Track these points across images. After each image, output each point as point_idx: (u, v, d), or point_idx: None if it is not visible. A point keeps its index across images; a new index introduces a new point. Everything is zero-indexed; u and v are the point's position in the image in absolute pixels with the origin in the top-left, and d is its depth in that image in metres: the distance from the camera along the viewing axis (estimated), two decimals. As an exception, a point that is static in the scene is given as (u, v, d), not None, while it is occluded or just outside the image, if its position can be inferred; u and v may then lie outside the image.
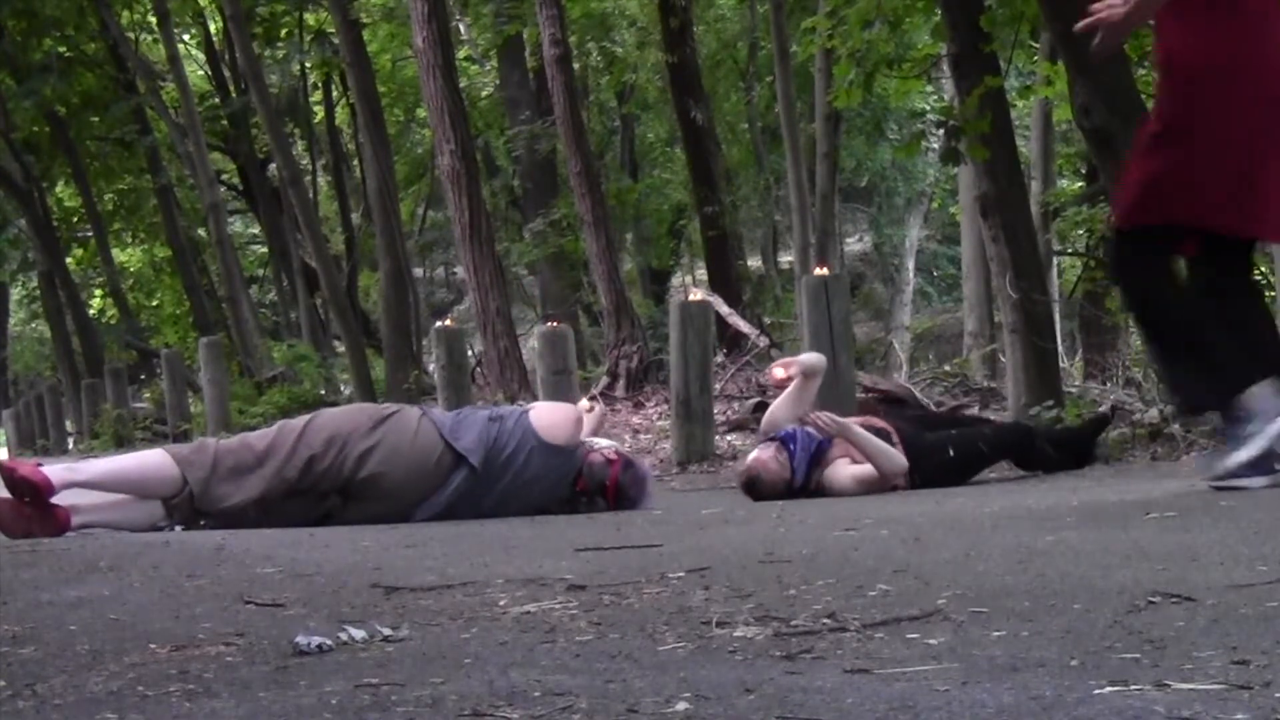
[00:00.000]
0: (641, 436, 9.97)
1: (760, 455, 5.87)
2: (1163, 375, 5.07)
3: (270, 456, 5.32)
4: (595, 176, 13.58)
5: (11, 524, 5.12)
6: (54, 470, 5.29)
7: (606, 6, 20.35)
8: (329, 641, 2.37)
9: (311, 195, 21.61)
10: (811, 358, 6.37)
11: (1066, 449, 6.36)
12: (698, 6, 18.24)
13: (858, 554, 3.32)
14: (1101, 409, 6.56)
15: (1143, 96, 7.59)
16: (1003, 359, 10.15)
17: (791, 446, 5.87)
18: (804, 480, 5.83)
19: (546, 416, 5.60)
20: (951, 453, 6.14)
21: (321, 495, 5.35)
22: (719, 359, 11.11)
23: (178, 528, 5.31)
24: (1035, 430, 6.53)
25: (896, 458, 5.84)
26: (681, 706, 1.80)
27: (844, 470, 5.85)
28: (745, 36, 21.32)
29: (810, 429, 5.95)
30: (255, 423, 16.13)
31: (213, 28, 24.59)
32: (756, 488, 5.80)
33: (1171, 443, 6.45)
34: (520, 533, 4.62)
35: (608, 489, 5.44)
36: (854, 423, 5.95)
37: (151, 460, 5.47)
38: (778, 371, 6.43)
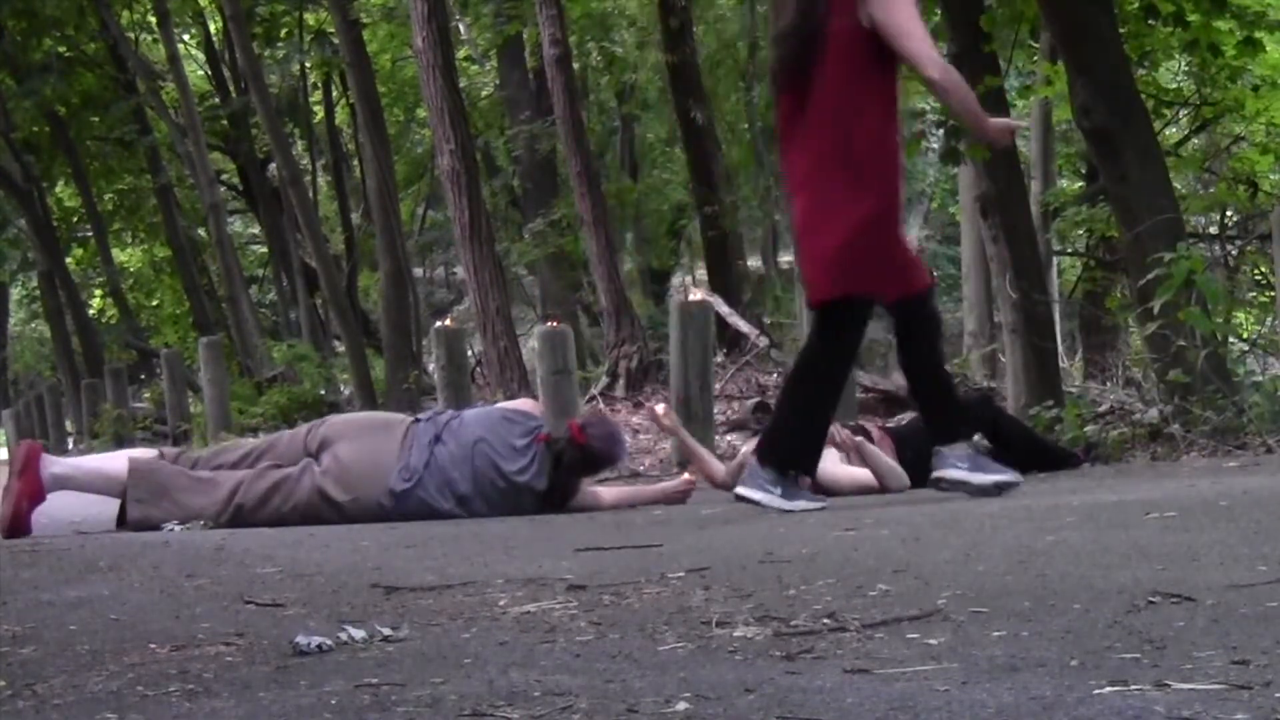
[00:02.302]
0: (641, 436, 9.95)
1: (750, 449, 5.87)
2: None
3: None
4: (595, 176, 13.57)
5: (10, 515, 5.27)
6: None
7: (606, 6, 20.33)
8: (329, 641, 2.37)
9: (311, 195, 21.59)
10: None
11: (1033, 449, 6.39)
12: (698, 6, 18.22)
13: (858, 554, 3.32)
14: (1077, 451, 6.59)
15: (1142, 97, 7.60)
16: (1003, 359, 10.16)
17: None
18: None
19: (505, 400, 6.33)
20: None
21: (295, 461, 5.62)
22: (719, 359, 11.10)
23: (177, 527, 5.33)
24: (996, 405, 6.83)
25: (902, 476, 5.85)
26: (681, 706, 1.80)
27: (841, 470, 5.85)
28: (745, 36, 21.30)
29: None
30: (255, 423, 16.13)
31: (213, 28, 24.57)
32: None
33: (1171, 443, 6.45)
34: (520, 533, 4.62)
35: (572, 429, 5.63)
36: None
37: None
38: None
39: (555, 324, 10.13)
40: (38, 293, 29.93)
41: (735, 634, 2.33)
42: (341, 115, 24.35)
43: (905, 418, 8.06)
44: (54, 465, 5.49)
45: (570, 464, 5.54)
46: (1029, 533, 3.51)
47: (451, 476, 5.48)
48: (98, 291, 30.32)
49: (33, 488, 5.33)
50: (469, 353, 13.03)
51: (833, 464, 5.85)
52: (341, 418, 5.97)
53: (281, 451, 5.63)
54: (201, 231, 25.25)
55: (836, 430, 6.07)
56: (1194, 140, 16.67)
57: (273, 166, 21.88)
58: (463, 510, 5.46)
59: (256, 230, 28.55)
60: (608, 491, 6.08)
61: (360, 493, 5.40)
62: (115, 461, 5.64)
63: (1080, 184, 16.75)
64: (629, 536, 4.17)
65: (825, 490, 5.80)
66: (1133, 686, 1.78)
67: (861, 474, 5.84)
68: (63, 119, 23.73)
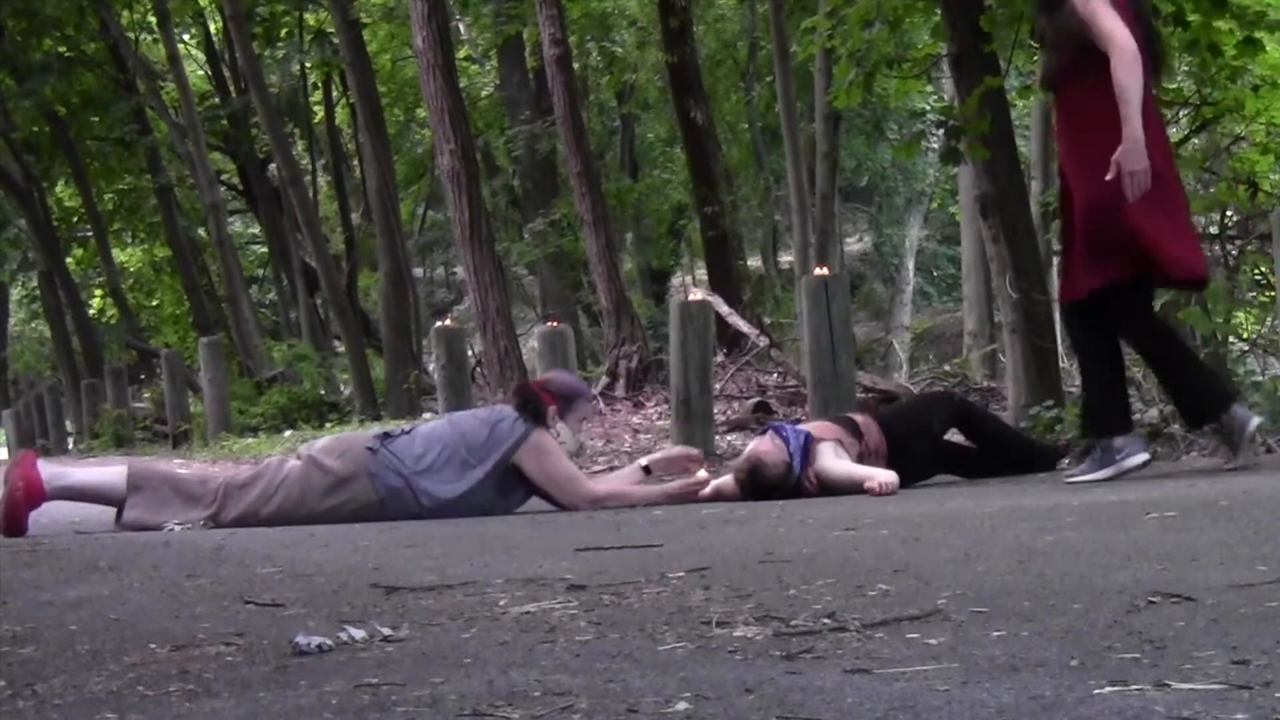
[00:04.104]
0: (641, 436, 9.95)
1: (755, 446, 5.84)
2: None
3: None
4: (595, 176, 13.57)
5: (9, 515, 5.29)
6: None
7: (606, 6, 20.35)
8: (329, 641, 2.37)
9: (311, 195, 21.59)
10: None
11: (1008, 445, 6.37)
12: (698, 6, 18.23)
13: (858, 554, 3.32)
14: (1059, 443, 6.56)
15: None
16: (1003, 359, 10.15)
17: (784, 434, 5.87)
18: (800, 471, 5.79)
19: None
20: (911, 410, 6.67)
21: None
22: (719, 359, 11.10)
23: (177, 527, 5.35)
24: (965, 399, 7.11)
25: (892, 479, 5.79)
26: (681, 706, 1.80)
27: (840, 467, 5.83)
28: (745, 36, 21.33)
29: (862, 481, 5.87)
30: (255, 422, 16.13)
31: (213, 28, 24.57)
32: (759, 475, 5.71)
33: (1171, 443, 6.45)
34: (520, 533, 4.62)
35: (533, 385, 6.00)
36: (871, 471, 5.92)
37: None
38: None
39: (555, 324, 10.13)
40: (38, 293, 29.93)
41: (735, 634, 2.33)
42: (341, 115, 24.35)
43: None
44: (53, 468, 5.58)
45: (535, 394, 5.79)
46: (1029, 533, 3.51)
47: (427, 431, 5.70)
48: (98, 291, 30.32)
49: (30, 484, 5.33)
50: (469, 353, 13.03)
51: (829, 460, 5.84)
52: None
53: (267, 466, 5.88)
54: (201, 231, 25.24)
55: (834, 428, 6.05)
56: (1194, 140, 16.66)
57: (273, 166, 21.88)
58: (451, 465, 5.58)
59: (256, 230, 28.56)
60: (604, 487, 6.04)
61: (345, 450, 5.61)
62: (112, 469, 5.77)
63: (1080, 184, 16.70)
64: (629, 536, 4.17)
65: (822, 485, 5.79)
66: (1133, 686, 1.78)
67: (858, 470, 5.83)
68: (63, 119, 23.73)
